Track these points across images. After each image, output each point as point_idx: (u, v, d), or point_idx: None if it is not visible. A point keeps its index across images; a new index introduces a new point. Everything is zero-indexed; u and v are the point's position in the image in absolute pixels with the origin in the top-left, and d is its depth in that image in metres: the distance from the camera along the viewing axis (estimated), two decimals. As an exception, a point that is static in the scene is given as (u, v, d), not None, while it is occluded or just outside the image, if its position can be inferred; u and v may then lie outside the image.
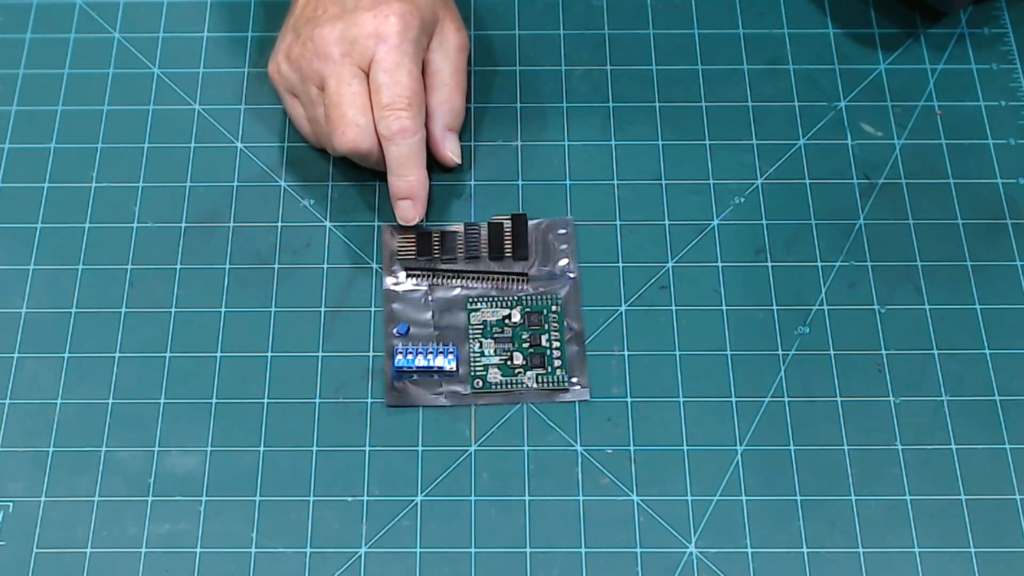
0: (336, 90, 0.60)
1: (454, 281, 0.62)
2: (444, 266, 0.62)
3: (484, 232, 0.63)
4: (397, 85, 0.60)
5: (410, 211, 0.62)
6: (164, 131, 0.67)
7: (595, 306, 0.62)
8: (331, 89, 0.61)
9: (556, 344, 0.60)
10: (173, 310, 0.62)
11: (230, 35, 0.70)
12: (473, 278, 0.62)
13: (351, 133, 0.60)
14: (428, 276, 0.62)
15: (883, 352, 0.60)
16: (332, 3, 0.62)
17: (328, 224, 0.64)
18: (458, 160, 0.64)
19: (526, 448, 0.58)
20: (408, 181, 0.61)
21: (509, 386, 0.60)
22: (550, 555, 0.56)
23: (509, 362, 0.60)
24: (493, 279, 0.62)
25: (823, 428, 0.59)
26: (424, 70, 0.63)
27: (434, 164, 0.65)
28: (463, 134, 0.66)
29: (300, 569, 0.56)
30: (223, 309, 0.62)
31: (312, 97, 0.62)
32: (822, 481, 0.57)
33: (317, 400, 0.59)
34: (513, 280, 0.62)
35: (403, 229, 0.63)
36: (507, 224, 0.63)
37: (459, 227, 0.63)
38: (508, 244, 0.63)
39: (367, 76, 0.61)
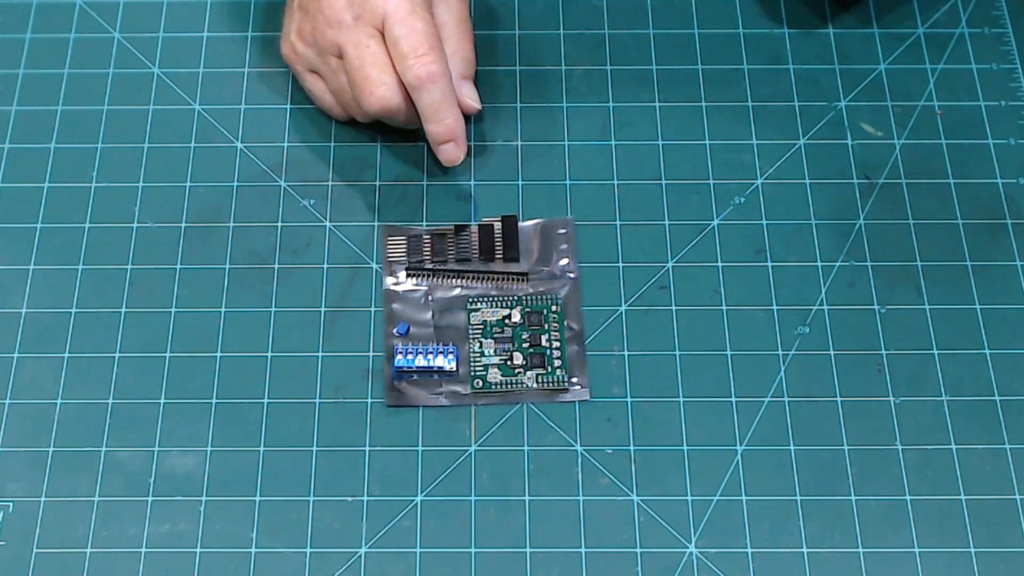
0: (356, 54, 0.61)
1: (454, 281, 0.62)
2: (439, 267, 0.62)
3: (475, 234, 0.63)
4: (414, 32, 0.60)
5: (454, 152, 0.63)
6: (164, 131, 0.67)
7: (595, 306, 0.62)
8: (350, 54, 0.61)
9: (556, 344, 0.60)
10: (173, 310, 0.62)
11: (230, 35, 0.70)
12: (473, 278, 0.62)
13: (380, 91, 0.61)
14: (428, 276, 0.62)
15: (883, 352, 0.60)
16: None
17: (328, 224, 0.64)
18: (478, 106, 0.65)
19: (526, 448, 0.58)
20: (446, 124, 0.62)
21: (509, 386, 0.60)
22: (550, 555, 0.56)
23: (509, 362, 0.60)
24: (493, 279, 0.62)
25: (823, 428, 0.59)
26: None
27: (435, 166, 0.65)
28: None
29: (300, 569, 0.56)
30: (223, 309, 0.62)
31: (332, 67, 0.63)
32: (822, 481, 0.57)
33: (317, 400, 0.59)
34: (513, 280, 0.62)
35: (393, 232, 0.63)
36: (497, 226, 0.63)
37: (450, 229, 0.63)
38: (499, 246, 0.63)
39: (382, 35, 0.61)
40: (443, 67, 0.61)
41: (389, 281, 0.62)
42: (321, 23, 0.62)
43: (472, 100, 0.65)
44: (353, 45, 0.61)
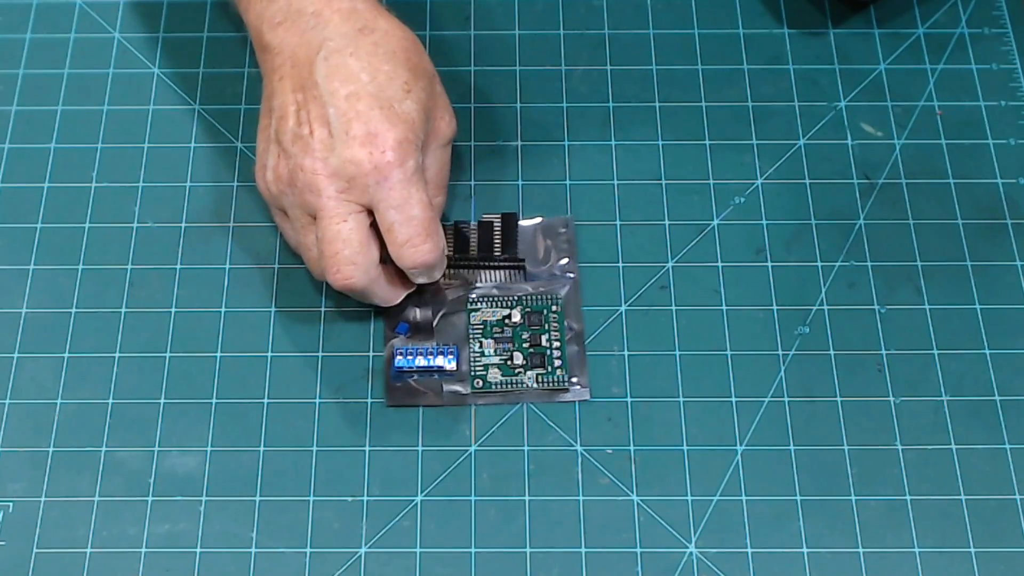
0: (329, 226, 0.56)
1: (455, 280, 0.62)
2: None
3: (474, 231, 0.63)
4: (411, 221, 0.57)
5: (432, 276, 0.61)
6: (164, 131, 0.67)
7: (595, 306, 0.62)
8: (324, 224, 0.57)
9: (556, 344, 0.60)
10: (173, 310, 0.62)
11: (230, 35, 0.70)
12: (469, 266, 0.62)
13: (346, 271, 0.57)
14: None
15: (883, 352, 0.60)
16: (317, 121, 0.57)
17: (328, 224, 0.64)
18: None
19: (526, 448, 0.58)
20: (433, 278, 0.60)
21: (509, 386, 0.60)
22: (550, 555, 0.56)
23: (509, 362, 0.60)
24: (490, 268, 0.62)
25: (823, 428, 0.59)
26: None
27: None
28: (460, 135, 0.66)
29: (300, 569, 0.56)
30: (223, 309, 0.62)
31: (303, 223, 0.58)
32: (822, 481, 0.57)
33: (317, 400, 0.59)
34: (510, 269, 0.62)
35: None
36: (497, 223, 0.63)
37: (449, 227, 0.63)
38: (498, 243, 0.63)
39: (367, 211, 0.57)
40: (438, 251, 0.58)
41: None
42: (300, 181, 0.57)
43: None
44: (330, 217, 0.56)
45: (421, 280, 0.60)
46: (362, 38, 0.58)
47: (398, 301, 0.60)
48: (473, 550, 0.56)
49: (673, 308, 0.62)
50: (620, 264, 0.63)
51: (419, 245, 0.57)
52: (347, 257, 0.57)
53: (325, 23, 0.58)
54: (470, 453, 0.58)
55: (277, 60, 0.59)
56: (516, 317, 0.61)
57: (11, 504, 0.57)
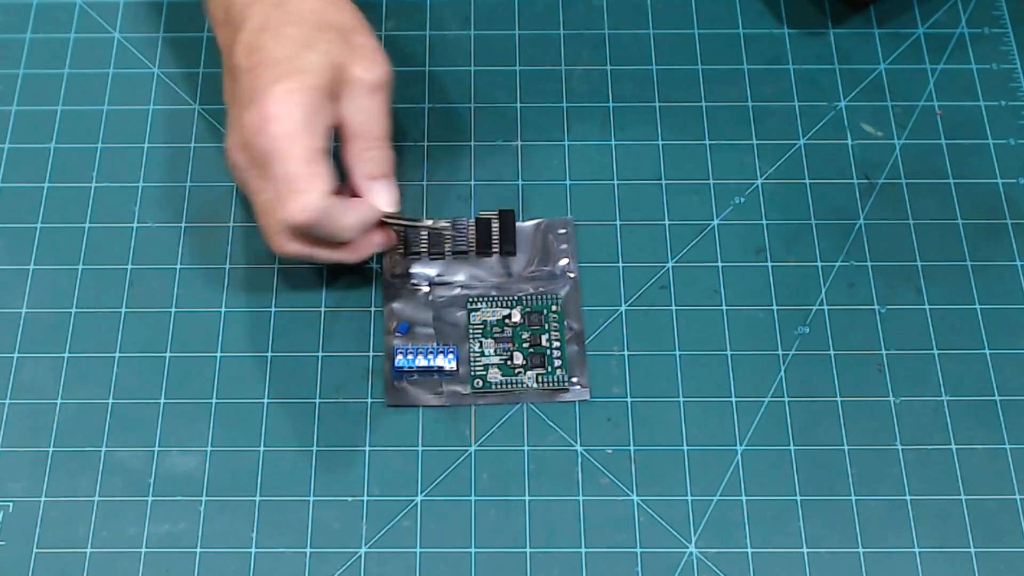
0: (254, 200, 0.58)
1: (455, 280, 0.62)
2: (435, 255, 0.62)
3: (471, 228, 0.63)
4: (286, 177, 0.56)
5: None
6: (164, 131, 0.67)
7: (595, 306, 0.62)
8: (251, 199, 0.58)
9: (556, 344, 0.60)
10: (173, 310, 0.62)
11: (230, 35, 0.70)
12: (457, 257, 0.62)
13: (279, 240, 0.57)
14: (415, 260, 0.62)
15: (883, 352, 0.60)
16: (231, 100, 0.58)
17: (328, 224, 0.64)
18: (391, 208, 0.59)
19: (526, 448, 0.58)
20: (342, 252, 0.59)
21: (509, 386, 0.60)
22: (550, 555, 0.56)
23: (509, 362, 0.60)
24: (478, 259, 0.62)
25: (823, 428, 0.59)
26: (338, 125, 0.58)
27: (435, 166, 0.65)
28: (460, 135, 0.66)
29: (300, 569, 0.56)
30: (223, 309, 0.62)
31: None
32: (822, 481, 0.57)
33: (317, 400, 0.59)
34: (501, 260, 0.62)
35: (391, 226, 0.62)
36: (495, 221, 0.63)
37: (447, 223, 0.63)
38: (495, 240, 0.63)
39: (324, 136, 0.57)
40: (318, 206, 0.56)
41: (389, 280, 0.62)
42: (229, 160, 0.58)
43: (384, 204, 0.59)
44: (250, 191, 0.58)
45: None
46: (274, 12, 0.58)
47: (375, 243, 0.59)
48: (473, 550, 0.56)
49: (673, 308, 0.62)
50: (620, 264, 0.63)
51: (298, 192, 0.55)
52: (273, 228, 0.57)
53: (250, 6, 0.59)
54: (470, 453, 0.58)
55: (224, 62, 0.60)
56: (516, 317, 0.61)
57: (11, 504, 0.57)
